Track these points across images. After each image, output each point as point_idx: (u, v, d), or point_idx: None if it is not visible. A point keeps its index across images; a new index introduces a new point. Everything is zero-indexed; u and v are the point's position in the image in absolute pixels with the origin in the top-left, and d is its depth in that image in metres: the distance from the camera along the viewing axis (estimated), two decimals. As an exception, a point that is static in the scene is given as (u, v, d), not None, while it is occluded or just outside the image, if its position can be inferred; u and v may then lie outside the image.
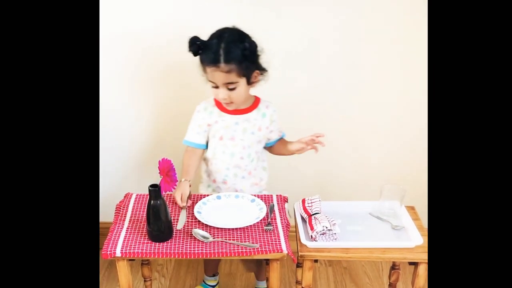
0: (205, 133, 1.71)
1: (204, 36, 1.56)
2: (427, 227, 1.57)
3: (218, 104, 1.68)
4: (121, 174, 2.23)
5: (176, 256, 1.38)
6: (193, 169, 1.70)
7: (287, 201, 1.66)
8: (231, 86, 1.55)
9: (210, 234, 1.44)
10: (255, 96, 1.72)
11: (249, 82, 1.59)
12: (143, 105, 2.10)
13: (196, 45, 1.53)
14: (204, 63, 1.55)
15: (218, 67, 1.51)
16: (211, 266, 2.02)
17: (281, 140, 1.80)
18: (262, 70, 1.62)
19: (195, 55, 1.55)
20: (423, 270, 1.47)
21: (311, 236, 1.47)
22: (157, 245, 1.41)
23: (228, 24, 1.59)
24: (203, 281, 2.05)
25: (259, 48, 1.59)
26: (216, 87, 1.57)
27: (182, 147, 2.13)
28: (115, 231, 1.47)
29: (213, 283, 2.05)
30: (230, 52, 1.50)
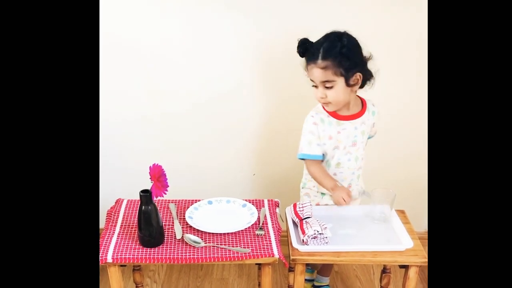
0: (324, 145, 1.69)
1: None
2: (417, 230, 1.59)
3: (332, 113, 1.67)
4: (112, 180, 2.22)
5: (168, 262, 1.38)
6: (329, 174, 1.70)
7: (278, 206, 1.66)
8: (328, 85, 1.57)
9: (202, 239, 1.45)
10: (360, 97, 1.72)
11: (348, 83, 1.58)
12: (133, 110, 2.10)
13: (304, 46, 1.57)
14: (306, 61, 1.59)
15: (315, 64, 1.55)
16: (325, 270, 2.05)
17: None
18: (366, 74, 1.61)
19: (301, 56, 1.59)
20: (413, 273, 1.48)
21: (303, 240, 1.47)
22: (148, 250, 1.41)
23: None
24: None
25: (365, 52, 1.61)
26: (316, 86, 1.60)
27: (171, 153, 2.14)
28: (106, 237, 1.46)
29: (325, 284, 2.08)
30: (329, 49, 1.54)
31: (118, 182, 2.22)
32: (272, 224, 1.54)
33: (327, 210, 1.66)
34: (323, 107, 1.68)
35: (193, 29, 1.93)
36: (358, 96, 1.71)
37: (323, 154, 1.71)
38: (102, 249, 1.40)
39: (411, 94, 2.04)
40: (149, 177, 1.41)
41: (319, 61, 1.54)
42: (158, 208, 1.45)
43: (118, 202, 1.66)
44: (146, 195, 1.38)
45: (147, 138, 2.15)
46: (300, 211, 1.57)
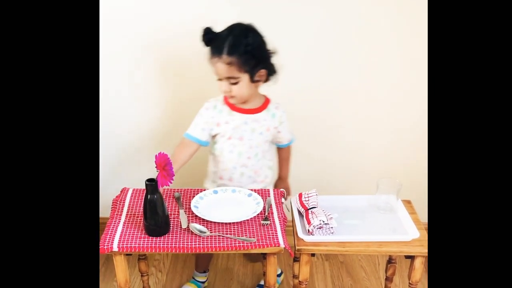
0: (211, 130, 1.71)
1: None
2: (423, 220, 1.59)
3: (228, 102, 1.68)
4: (117, 169, 2.22)
5: (173, 251, 1.38)
6: (181, 163, 1.69)
7: (284, 196, 1.66)
8: (232, 81, 1.57)
9: (207, 229, 1.45)
10: (265, 96, 1.72)
11: (253, 80, 1.59)
12: (139, 100, 2.09)
13: (208, 35, 1.56)
14: (210, 53, 1.57)
15: (220, 58, 1.54)
16: (203, 263, 2.03)
17: (286, 149, 1.86)
18: (270, 70, 1.62)
19: (206, 45, 1.58)
20: (419, 264, 1.48)
21: (308, 230, 1.47)
22: (154, 239, 1.41)
23: (230, 20, 1.59)
24: (192, 277, 2.05)
25: (270, 48, 1.60)
26: (220, 79, 1.59)
27: (178, 141, 2.14)
28: (112, 226, 1.46)
29: (203, 279, 2.05)
30: (235, 45, 1.52)
31: (124, 171, 2.22)
32: (278, 214, 1.53)
33: (333, 200, 1.65)
34: (225, 97, 1.69)
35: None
36: (264, 95, 1.72)
37: (207, 141, 1.73)
38: (107, 238, 1.40)
39: (413, 83, 2.02)
40: (155, 166, 1.41)
41: (224, 57, 1.53)
42: (164, 197, 1.45)
43: (124, 191, 1.66)
44: (151, 184, 1.38)
45: (153, 127, 2.14)
46: (305, 201, 1.56)
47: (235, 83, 1.57)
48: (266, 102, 1.71)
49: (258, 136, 1.70)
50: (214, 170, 1.79)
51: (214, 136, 1.73)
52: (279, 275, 2.09)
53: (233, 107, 1.68)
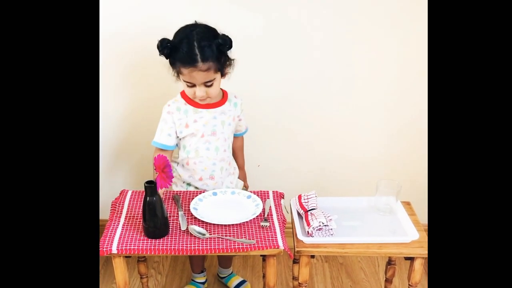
0: (180, 133, 1.68)
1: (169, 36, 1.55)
2: (422, 222, 1.58)
3: (190, 101, 1.66)
4: (116, 171, 2.22)
5: (173, 253, 1.38)
6: None
7: (283, 197, 1.66)
8: (209, 84, 1.56)
9: (207, 231, 1.44)
10: (221, 88, 1.72)
11: (223, 74, 1.61)
12: (138, 101, 2.09)
13: (167, 48, 1.52)
14: (179, 64, 1.53)
15: (196, 67, 1.50)
16: (198, 263, 2.03)
17: (241, 138, 1.88)
18: (230, 58, 1.62)
19: (168, 57, 1.55)
20: (419, 265, 1.48)
21: (308, 231, 1.47)
22: (153, 241, 1.41)
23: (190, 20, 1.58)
24: (192, 280, 2.05)
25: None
26: (192, 86, 1.57)
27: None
28: (111, 228, 1.46)
29: (202, 280, 2.05)
30: (206, 50, 1.50)
31: (123, 173, 2.22)
32: (277, 216, 1.53)
33: (333, 202, 1.65)
34: (182, 96, 1.67)
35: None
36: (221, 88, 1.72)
37: (176, 145, 1.72)
38: (107, 240, 1.40)
39: (411, 83, 2.02)
40: (154, 168, 1.41)
41: (200, 64, 1.50)
42: (163, 199, 1.44)
43: (123, 193, 1.66)
44: (151, 186, 1.38)
45: (152, 129, 2.14)
46: (305, 202, 1.56)
47: (211, 85, 1.57)
48: (225, 93, 1.72)
49: (228, 127, 1.71)
50: (188, 175, 1.74)
51: (180, 140, 1.71)
52: (242, 283, 2.08)
53: (197, 105, 1.66)
